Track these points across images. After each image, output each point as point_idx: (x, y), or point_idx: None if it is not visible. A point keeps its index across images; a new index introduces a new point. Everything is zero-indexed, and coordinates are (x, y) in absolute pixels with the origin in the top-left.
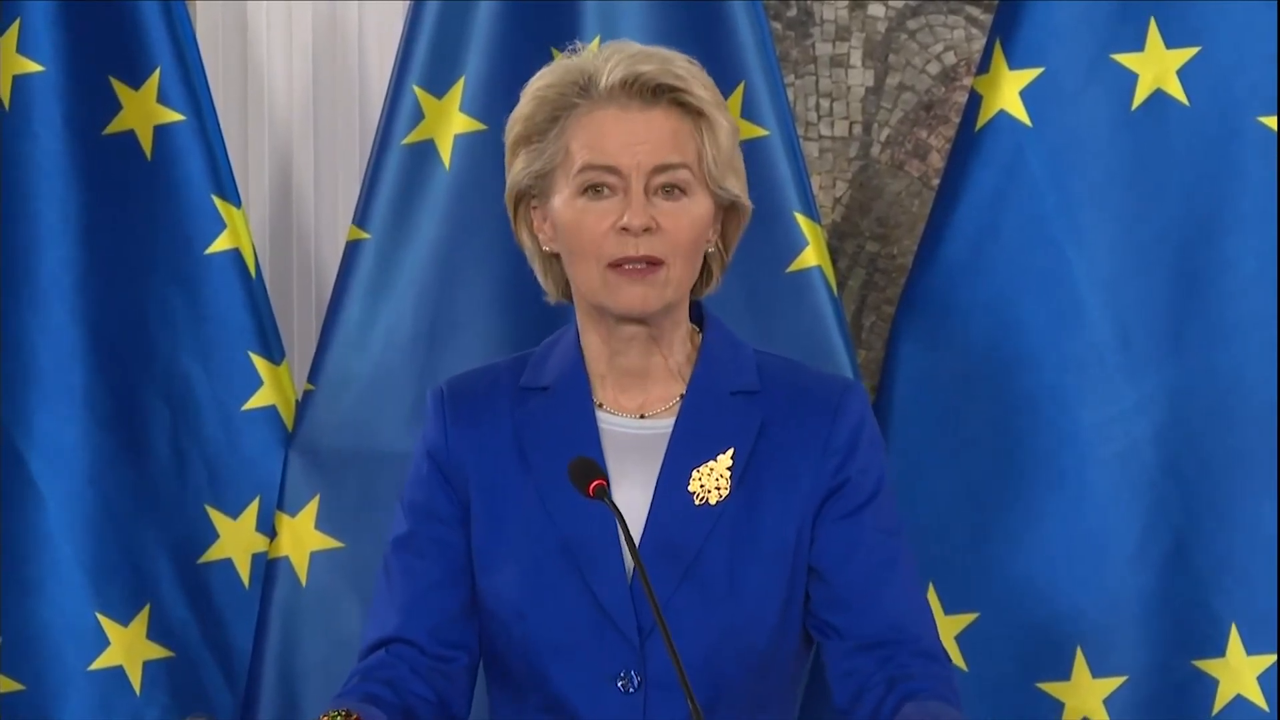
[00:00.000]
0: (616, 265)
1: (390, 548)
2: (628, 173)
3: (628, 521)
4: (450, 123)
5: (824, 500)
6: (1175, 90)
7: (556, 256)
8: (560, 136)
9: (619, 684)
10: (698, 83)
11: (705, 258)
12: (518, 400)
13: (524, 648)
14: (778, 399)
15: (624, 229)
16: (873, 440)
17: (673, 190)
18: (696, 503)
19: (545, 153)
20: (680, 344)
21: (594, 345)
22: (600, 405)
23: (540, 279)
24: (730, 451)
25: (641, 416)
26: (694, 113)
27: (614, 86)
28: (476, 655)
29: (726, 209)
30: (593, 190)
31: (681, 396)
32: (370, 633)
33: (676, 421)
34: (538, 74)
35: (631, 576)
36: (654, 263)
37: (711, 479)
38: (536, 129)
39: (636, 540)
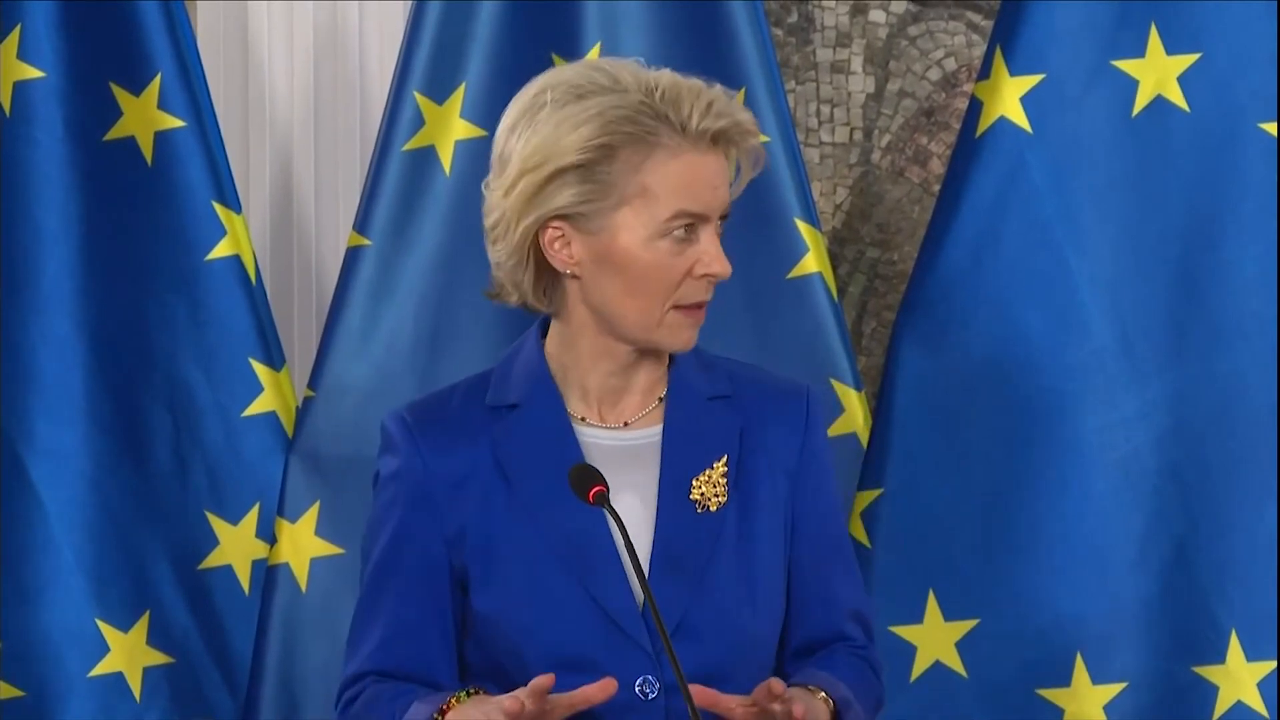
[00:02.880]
0: (681, 307)
1: (367, 582)
2: (711, 217)
3: (632, 532)
4: (451, 129)
5: (799, 508)
6: (1176, 96)
7: (549, 271)
8: (637, 171)
9: (638, 690)
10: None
11: None
12: (488, 420)
13: (535, 664)
14: (749, 404)
15: (705, 275)
16: (829, 445)
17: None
18: (699, 511)
19: (615, 188)
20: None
21: (580, 362)
22: (582, 419)
23: (510, 282)
24: (724, 458)
25: (625, 425)
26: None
27: (707, 131)
28: (455, 686)
29: None
30: (682, 232)
31: (660, 400)
32: (350, 666)
33: (664, 429)
34: (575, 106)
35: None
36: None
37: (710, 486)
38: (598, 162)
39: (648, 551)
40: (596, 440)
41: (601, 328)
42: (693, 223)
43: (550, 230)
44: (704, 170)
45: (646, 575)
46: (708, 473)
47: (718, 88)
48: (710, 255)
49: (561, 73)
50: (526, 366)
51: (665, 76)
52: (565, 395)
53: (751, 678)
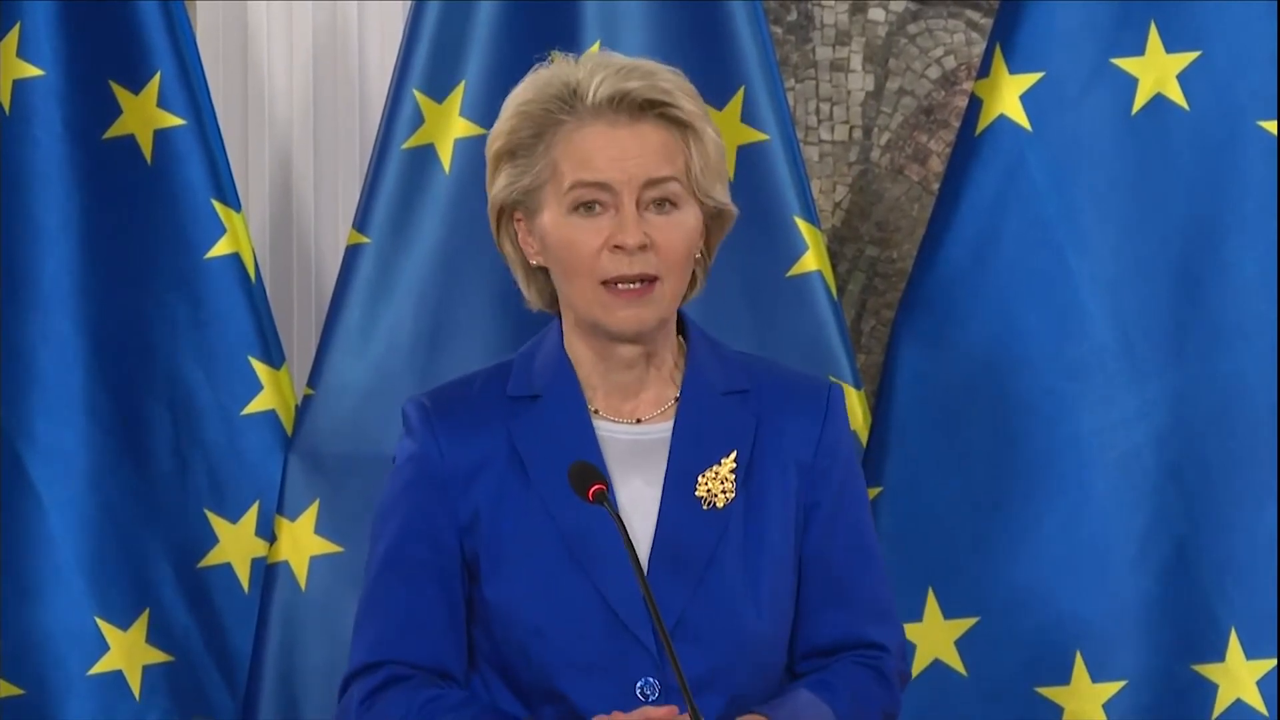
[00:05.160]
0: (609, 284)
1: (378, 566)
2: (619, 189)
3: (637, 528)
4: (450, 127)
5: (813, 504)
6: (1175, 94)
7: (543, 269)
8: (547, 153)
9: (639, 693)
10: (684, 95)
11: None
12: (509, 410)
13: (540, 661)
14: (767, 398)
15: (618, 247)
16: (853, 444)
17: (664, 204)
18: (704, 507)
19: (532, 169)
20: (670, 351)
21: (585, 357)
22: (596, 412)
23: (523, 288)
24: (733, 455)
25: (638, 421)
26: (680, 125)
27: (601, 103)
28: (464, 677)
29: (712, 216)
30: (584, 208)
31: (676, 399)
32: (359, 653)
33: (675, 425)
34: (518, 88)
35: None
36: (648, 280)
37: (717, 483)
38: (521, 144)
39: (649, 547)
40: (611, 434)
41: (582, 321)
42: (599, 195)
43: (518, 225)
44: (607, 140)
45: (647, 573)
46: (715, 469)
47: (646, 62)
48: (622, 226)
49: (541, 68)
50: (549, 358)
51: (597, 56)
52: (584, 389)
53: (755, 678)
